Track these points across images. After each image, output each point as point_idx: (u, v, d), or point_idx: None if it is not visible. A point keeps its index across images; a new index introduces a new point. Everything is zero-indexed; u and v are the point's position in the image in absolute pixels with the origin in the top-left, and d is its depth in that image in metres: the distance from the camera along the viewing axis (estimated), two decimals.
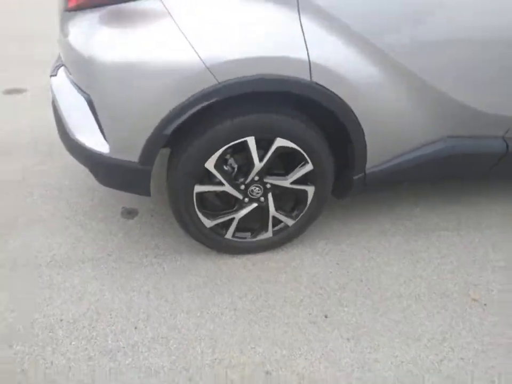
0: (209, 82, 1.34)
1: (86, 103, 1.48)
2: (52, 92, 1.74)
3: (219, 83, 1.34)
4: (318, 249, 1.87)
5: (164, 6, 1.32)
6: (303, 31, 1.36)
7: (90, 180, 1.93)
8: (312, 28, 1.36)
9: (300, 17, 1.35)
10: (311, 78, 1.40)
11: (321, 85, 1.41)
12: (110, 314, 1.53)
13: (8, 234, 1.87)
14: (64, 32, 1.56)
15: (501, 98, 1.67)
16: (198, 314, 1.55)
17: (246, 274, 1.73)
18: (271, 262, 1.80)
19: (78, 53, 1.43)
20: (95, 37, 1.37)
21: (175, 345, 1.43)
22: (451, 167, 1.84)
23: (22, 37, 4.55)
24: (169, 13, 1.32)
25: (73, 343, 1.43)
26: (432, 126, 1.68)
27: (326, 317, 1.55)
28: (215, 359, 1.39)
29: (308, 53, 1.36)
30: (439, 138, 1.72)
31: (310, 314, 1.56)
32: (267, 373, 1.36)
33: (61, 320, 1.51)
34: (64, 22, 1.56)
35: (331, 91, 1.44)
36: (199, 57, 1.31)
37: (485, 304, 1.63)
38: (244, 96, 1.39)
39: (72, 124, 1.57)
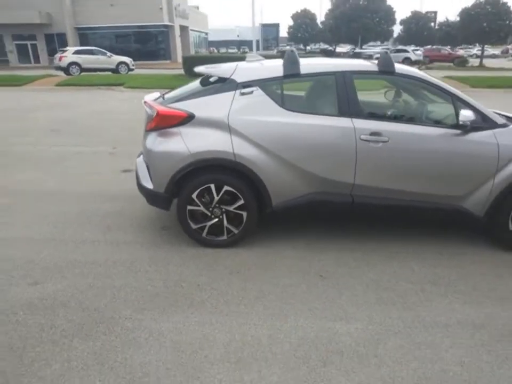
0: (191, 159, 3.26)
1: (146, 167, 3.51)
2: (136, 164, 3.83)
3: (195, 160, 3.26)
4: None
5: (180, 132, 3.32)
6: (231, 140, 3.24)
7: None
8: (236, 139, 3.24)
9: (230, 135, 3.25)
10: (235, 159, 3.24)
11: (240, 162, 3.24)
12: None
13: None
14: (144, 139, 3.65)
15: (335, 171, 3.29)
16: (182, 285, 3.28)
17: (199, 259, 3.44)
18: (212, 252, 3.49)
19: (146, 147, 3.48)
20: (152, 142, 3.42)
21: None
22: (320, 208, 3.43)
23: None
24: (180, 134, 3.31)
25: None
26: (306, 186, 3.35)
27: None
28: None
29: (233, 149, 3.23)
30: (310, 191, 3.37)
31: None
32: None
33: None
34: (144, 135, 3.66)
35: (245, 166, 3.25)
36: (188, 150, 3.25)
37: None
38: (206, 166, 3.28)
39: (141, 176, 3.60)
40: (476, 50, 45.47)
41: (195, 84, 3.70)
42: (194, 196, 3.37)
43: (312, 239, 3.71)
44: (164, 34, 37.52)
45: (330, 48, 45.62)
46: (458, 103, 3.29)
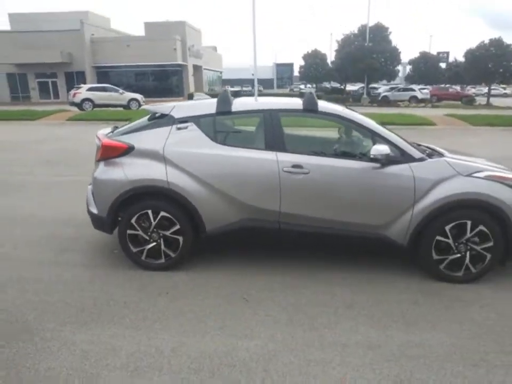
0: (129, 186, 3.56)
1: (91, 193, 3.82)
2: (87, 191, 4.14)
3: (133, 187, 3.56)
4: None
5: (121, 162, 3.64)
6: (166, 170, 3.54)
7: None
8: (170, 168, 3.54)
9: (165, 165, 3.55)
10: (169, 186, 3.53)
11: (173, 190, 3.53)
12: None
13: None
14: (95, 168, 3.98)
15: (262, 199, 3.53)
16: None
17: (135, 281, 3.66)
18: (148, 274, 3.71)
19: (93, 176, 3.80)
20: (98, 171, 3.74)
21: None
22: (250, 233, 3.66)
23: None
24: (121, 164, 3.63)
25: None
26: (236, 213, 3.59)
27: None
28: None
29: (167, 177, 3.52)
30: (241, 218, 3.61)
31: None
32: None
33: None
34: (95, 165, 3.99)
35: (178, 193, 3.53)
36: (127, 177, 3.56)
37: None
38: (143, 193, 3.57)
39: (89, 202, 3.90)
40: (486, 89, 45.97)
41: (143, 120, 4.06)
42: (133, 220, 3.64)
43: (246, 264, 3.90)
44: (178, 73, 39.19)
45: (341, 86, 46.71)
46: (376, 138, 3.54)
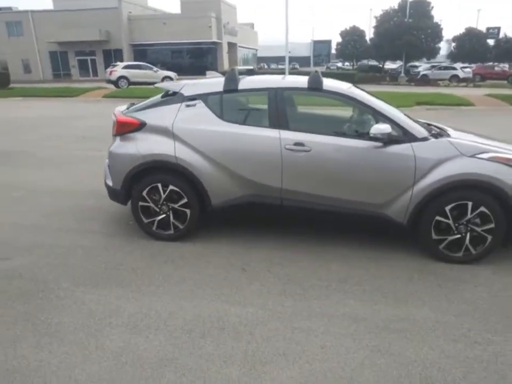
0: (141, 160, 3.79)
1: (107, 167, 4.08)
2: (104, 165, 4.41)
3: (144, 161, 3.78)
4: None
5: (134, 137, 3.86)
6: (174, 146, 3.73)
7: None
8: (178, 144, 3.73)
9: (174, 140, 3.74)
10: (176, 161, 3.72)
11: (180, 165, 3.72)
12: None
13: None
14: (112, 142, 4.23)
15: (265, 176, 3.66)
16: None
17: (145, 249, 3.91)
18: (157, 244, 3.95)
19: (109, 150, 4.05)
20: (114, 145, 3.99)
21: None
22: (254, 208, 3.81)
23: None
24: (135, 139, 3.86)
25: None
26: (240, 188, 3.75)
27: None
28: None
29: (175, 153, 3.72)
30: (245, 194, 3.76)
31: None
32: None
33: None
34: (112, 139, 4.24)
35: (185, 168, 3.72)
36: (139, 152, 3.78)
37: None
38: (153, 167, 3.79)
39: (106, 174, 4.18)
40: None
41: (157, 97, 4.24)
42: (144, 193, 3.87)
43: (249, 239, 4.07)
44: (212, 51, 39.24)
45: (380, 65, 45.22)
46: (379, 117, 3.56)
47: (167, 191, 3.83)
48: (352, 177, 3.57)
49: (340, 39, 49.44)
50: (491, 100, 17.22)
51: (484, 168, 3.41)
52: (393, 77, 32.31)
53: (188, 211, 3.88)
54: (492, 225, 3.44)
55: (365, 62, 51.27)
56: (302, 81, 3.90)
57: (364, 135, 3.62)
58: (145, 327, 2.78)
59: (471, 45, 41.91)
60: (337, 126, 4.03)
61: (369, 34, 46.51)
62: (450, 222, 3.50)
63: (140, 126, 3.84)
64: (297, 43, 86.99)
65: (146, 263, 3.63)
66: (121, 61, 32.45)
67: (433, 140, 3.53)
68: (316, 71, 3.81)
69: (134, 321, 2.83)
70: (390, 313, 2.92)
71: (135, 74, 24.85)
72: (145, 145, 3.81)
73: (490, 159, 3.45)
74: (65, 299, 3.08)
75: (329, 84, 3.77)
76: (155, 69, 26.05)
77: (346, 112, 4.32)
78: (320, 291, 3.20)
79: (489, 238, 3.48)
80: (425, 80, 30.38)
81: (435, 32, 34.87)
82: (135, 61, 34.31)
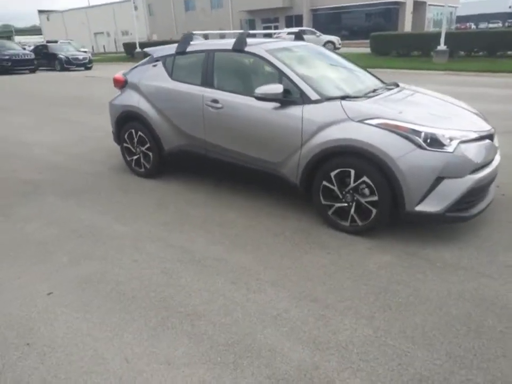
0: (121, 109, 4.84)
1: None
2: None
3: (123, 111, 4.82)
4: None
5: (122, 91, 4.90)
6: (139, 99, 4.63)
7: None
8: (141, 98, 4.62)
9: (139, 95, 4.63)
10: (139, 112, 4.62)
11: (141, 115, 4.60)
12: None
13: None
14: None
15: (193, 128, 4.21)
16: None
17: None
18: None
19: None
20: (112, 97, 5.12)
21: None
22: (189, 156, 4.42)
23: None
24: (122, 93, 4.89)
25: None
26: (178, 137, 4.42)
27: None
28: None
29: (138, 104, 4.61)
30: (182, 143, 4.41)
31: None
32: None
33: None
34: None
35: (144, 117, 4.59)
36: (121, 103, 4.82)
37: None
38: (128, 116, 4.80)
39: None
40: None
41: (144, 60, 5.09)
42: (125, 136, 4.93)
43: (199, 182, 4.70)
44: (393, 12, 36.61)
45: None
46: (283, 78, 3.65)
47: (137, 136, 4.79)
48: (255, 136, 3.81)
49: None
50: None
51: (368, 135, 3.20)
52: None
53: (150, 154, 4.77)
54: (376, 198, 3.26)
55: None
56: (229, 43, 4.16)
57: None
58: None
59: None
60: (253, 87, 4.16)
61: None
62: (336, 188, 3.44)
63: (125, 82, 4.85)
64: None
65: (119, 189, 4.72)
66: (301, 26, 33.64)
67: (325, 102, 3.45)
68: (243, 33, 4.05)
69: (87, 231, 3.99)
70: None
71: None
72: (125, 98, 4.83)
73: (378, 126, 3.20)
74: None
75: (251, 46, 3.96)
76: (318, 33, 26.35)
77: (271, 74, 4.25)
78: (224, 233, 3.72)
79: (374, 210, 3.30)
80: None
81: None
82: (313, 26, 35.09)
